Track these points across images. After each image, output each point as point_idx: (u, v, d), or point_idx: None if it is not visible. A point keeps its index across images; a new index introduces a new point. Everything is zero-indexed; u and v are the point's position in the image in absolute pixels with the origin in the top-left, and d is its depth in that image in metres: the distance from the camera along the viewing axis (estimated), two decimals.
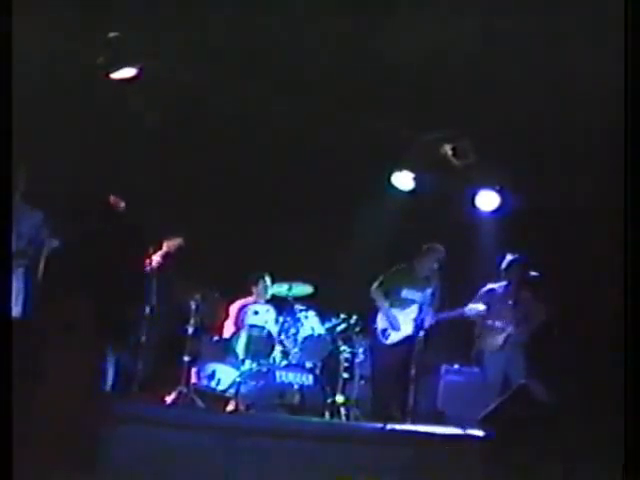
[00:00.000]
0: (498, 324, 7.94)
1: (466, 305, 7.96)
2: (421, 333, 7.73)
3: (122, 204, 7.33)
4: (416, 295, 8.04)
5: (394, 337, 8.05)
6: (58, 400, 5.70)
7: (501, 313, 7.97)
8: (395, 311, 8.08)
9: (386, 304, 8.12)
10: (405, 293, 8.12)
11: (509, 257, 8.01)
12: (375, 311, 8.18)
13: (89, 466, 4.83)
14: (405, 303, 8.09)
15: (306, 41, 7.01)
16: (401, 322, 8.02)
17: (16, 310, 6.46)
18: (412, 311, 7.99)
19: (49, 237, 6.68)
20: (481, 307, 7.90)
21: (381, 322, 8.14)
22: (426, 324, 7.80)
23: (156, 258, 7.28)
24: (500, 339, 7.92)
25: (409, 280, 8.14)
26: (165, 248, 7.37)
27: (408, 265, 8.22)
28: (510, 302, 8.01)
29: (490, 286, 8.06)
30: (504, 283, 8.07)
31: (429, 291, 7.79)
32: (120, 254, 7.50)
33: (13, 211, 6.06)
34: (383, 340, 8.10)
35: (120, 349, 7.22)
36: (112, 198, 7.32)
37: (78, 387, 6.91)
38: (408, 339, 7.85)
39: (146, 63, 7.31)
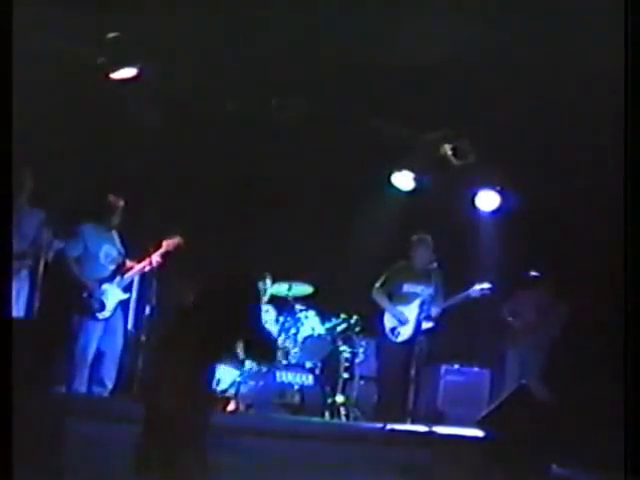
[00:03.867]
0: (523, 326, 8.00)
1: (470, 287, 7.94)
2: (427, 325, 7.68)
3: (121, 202, 7.31)
4: (418, 288, 7.97)
5: (404, 334, 7.94)
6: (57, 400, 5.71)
7: (525, 318, 8.03)
8: (400, 307, 8.01)
9: (390, 302, 8.07)
10: (407, 288, 8.03)
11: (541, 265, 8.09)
12: (381, 312, 8.12)
13: (88, 466, 4.83)
14: (408, 298, 7.99)
15: (306, 41, 7.01)
16: (408, 317, 7.94)
17: (18, 311, 6.46)
18: (416, 305, 7.91)
19: (52, 238, 6.67)
20: (485, 286, 7.87)
21: (388, 321, 8.06)
22: (431, 316, 7.76)
23: (155, 258, 7.26)
24: (523, 341, 7.97)
25: (409, 275, 8.08)
26: (164, 247, 7.34)
27: (406, 261, 8.18)
28: (535, 308, 8.07)
29: (517, 292, 8.13)
30: (529, 289, 8.12)
31: (431, 287, 7.75)
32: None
33: (15, 212, 6.08)
34: (393, 339, 8.00)
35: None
36: (111, 197, 7.30)
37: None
38: (416, 334, 7.77)
39: (146, 63, 7.32)
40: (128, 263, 7.31)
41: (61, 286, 7.07)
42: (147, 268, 7.23)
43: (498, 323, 8.31)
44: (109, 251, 7.27)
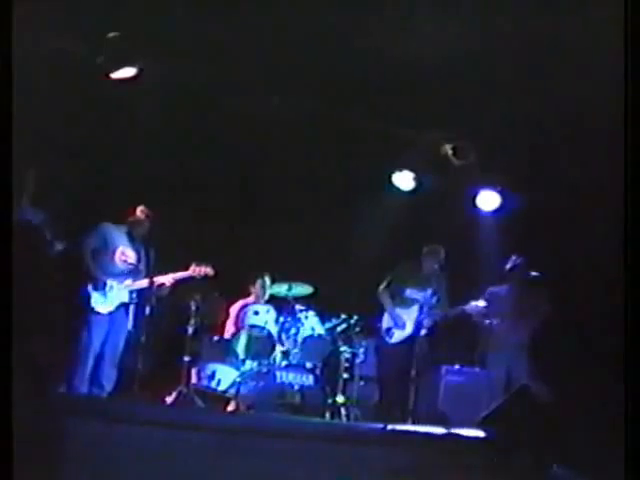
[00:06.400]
0: (501, 325, 7.96)
1: (467, 303, 7.97)
2: (423, 332, 7.74)
3: (147, 214, 7.27)
4: (419, 295, 8.05)
5: (398, 336, 8.05)
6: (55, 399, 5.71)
7: (504, 314, 7.99)
8: (399, 310, 8.09)
9: (391, 304, 8.14)
10: (409, 292, 8.14)
11: (511, 258, 8.03)
12: (381, 311, 8.19)
13: (89, 466, 4.83)
14: (408, 302, 8.10)
15: (306, 41, 7.01)
16: (405, 321, 8.02)
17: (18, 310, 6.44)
18: (415, 310, 7.99)
19: (52, 239, 6.67)
20: (481, 304, 7.90)
21: (386, 321, 8.16)
22: (427, 324, 7.83)
23: (170, 279, 7.24)
24: (503, 340, 7.93)
25: (413, 280, 8.15)
26: (190, 272, 7.33)
27: (413, 263, 8.21)
28: (513, 303, 8.02)
29: (493, 287, 8.08)
30: (507, 284, 8.09)
31: (430, 291, 7.79)
32: None
33: (16, 212, 6.07)
34: (387, 339, 8.10)
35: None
36: (140, 209, 7.26)
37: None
38: (411, 338, 7.85)
39: (146, 63, 7.31)
40: (145, 272, 7.20)
41: (67, 282, 7.06)
42: (167, 284, 7.20)
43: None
44: (127, 252, 7.24)
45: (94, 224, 7.25)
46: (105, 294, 7.06)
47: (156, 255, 7.04)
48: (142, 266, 7.27)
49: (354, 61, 7.22)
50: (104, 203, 7.59)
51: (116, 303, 7.13)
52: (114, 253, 7.21)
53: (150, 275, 7.06)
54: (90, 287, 7.04)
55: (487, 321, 8.05)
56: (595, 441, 5.94)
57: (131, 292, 7.20)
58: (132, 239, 7.31)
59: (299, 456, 5.51)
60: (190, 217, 8.32)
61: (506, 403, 6.38)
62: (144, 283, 7.11)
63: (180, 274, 7.31)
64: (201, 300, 7.61)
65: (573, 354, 8.07)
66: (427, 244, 8.21)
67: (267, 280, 8.43)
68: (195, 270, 7.32)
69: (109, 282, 7.10)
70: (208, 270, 7.35)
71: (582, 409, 6.58)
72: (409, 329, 7.98)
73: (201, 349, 7.97)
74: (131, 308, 7.23)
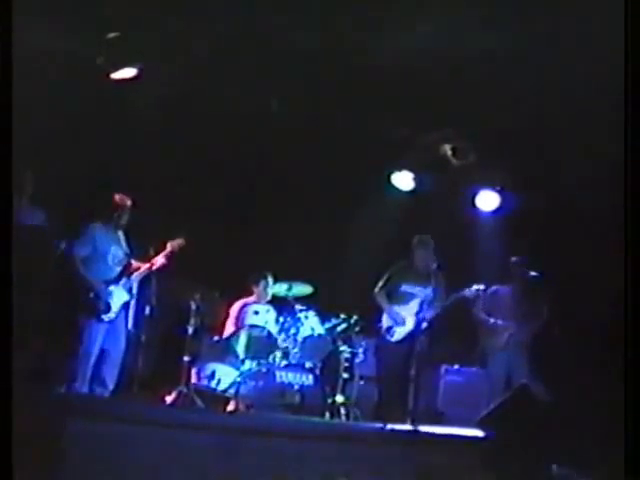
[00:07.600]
0: (501, 324, 7.96)
1: (465, 289, 7.95)
2: (423, 326, 7.72)
3: (128, 202, 7.28)
4: (416, 289, 8.03)
5: (400, 333, 8.02)
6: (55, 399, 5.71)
7: (504, 313, 7.99)
8: (398, 308, 8.08)
9: (389, 303, 8.13)
10: (405, 288, 8.10)
11: (512, 258, 8.04)
12: (380, 312, 8.18)
13: (89, 466, 4.83)
14: (406, 298, 8.06)
15: (306, 41, 7.01)
16: (405, 317, 8.01)
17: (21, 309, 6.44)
18: (414, 306, 7.97)
19: (52, 239, 6.67)
20: (481, 287, 7.88)
21: (386, 321, 8.14)
22: (427, 317, 7.79)
23: (160, 259, 7.27)
24: (503, 339, 7.93)
25: (408, 275, 8.14)
26: (169, 248, 7.35)
27: (406, 261, 8.22)
28: (513, 302, 8.03)
29: (493, 287, 8.09)
30: (507, 284, 8.09)
31: (429, 288, 7.79)
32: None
33: (16, 212, 6.07)
34: (389, 338, 8.08)
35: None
36: (119, 196, 7.26)
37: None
38: (412, 334, 7.83)
39: (146, 63, 7.32)
40: (133, 264, 7.27)
41: (66, 286, 7.05)
42: (153, 268, 7.23)
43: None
44: (116, 252, 7.22)
45: (81, 229, 7.22)
46: (109, 304, 7.05)
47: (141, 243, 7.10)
48: (132, 259, 7.29)
49: (354, 61, 7.23)
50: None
51: (118, 307, 7.13)
52: (106, 257, 7.17)
53: (147, 260, 7.12)
54: (92, 295, 7.02)
55: (487, 320, 8.05)
56: (595, 441, 5.95)
57: (130, 290, 7.21)
58: (117, 232, 7.28)
59: (299, 456, 5.51)
60: (191, 217, 8.32)
61: (505, 403, 6.39)
62: (143, 271, 7.17)
63: (161, 254, 7.33)
64: (201, 300, 7.61)
65: (573, 354, 8.07)
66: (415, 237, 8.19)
67: (270, 281, 8.42)
68: (173, 245, 7.35)
69: (110, 288, 7.09)
70: (182, 242, 7.38)
71: (582, 409, 6.58)
72: (410, 325, 7.95)
73: (201, 349, 7.97)
74: (131, 308, 7.24)
